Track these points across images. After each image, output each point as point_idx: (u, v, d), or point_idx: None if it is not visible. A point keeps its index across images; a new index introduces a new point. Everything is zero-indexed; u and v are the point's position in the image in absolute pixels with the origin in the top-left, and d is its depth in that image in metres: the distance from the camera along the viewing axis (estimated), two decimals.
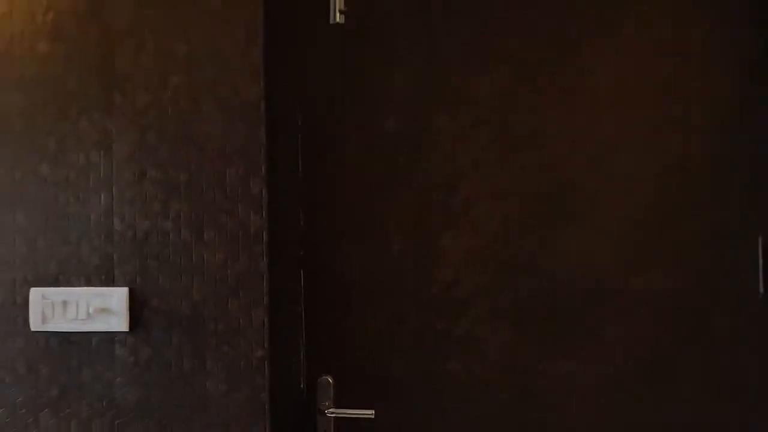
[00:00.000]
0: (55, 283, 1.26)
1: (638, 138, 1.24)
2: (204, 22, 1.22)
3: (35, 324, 1.26)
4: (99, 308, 1.25)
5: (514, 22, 1.28)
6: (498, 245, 1.27)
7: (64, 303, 1.26)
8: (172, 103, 1.23)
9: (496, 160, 1.27)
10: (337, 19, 1.34)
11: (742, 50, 1.23)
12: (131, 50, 1.25)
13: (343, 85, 1.33)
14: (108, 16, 1.25)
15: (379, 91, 1.32)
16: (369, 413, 1.29)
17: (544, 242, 1.26)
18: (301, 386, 1.34)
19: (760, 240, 1.23)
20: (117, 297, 1.24)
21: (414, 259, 1.29)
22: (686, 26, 1.23)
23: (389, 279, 1.31)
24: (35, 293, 1.27)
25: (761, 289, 1.23)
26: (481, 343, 1.27)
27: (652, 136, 1.24)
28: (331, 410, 1.32)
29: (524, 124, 1.27)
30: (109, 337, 1.25)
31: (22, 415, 1.27)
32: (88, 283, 1.25)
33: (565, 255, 1.25)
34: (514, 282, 1.26)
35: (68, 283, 1.26)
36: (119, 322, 1.24)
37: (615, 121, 1.25)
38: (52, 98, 1.28)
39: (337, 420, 1.33)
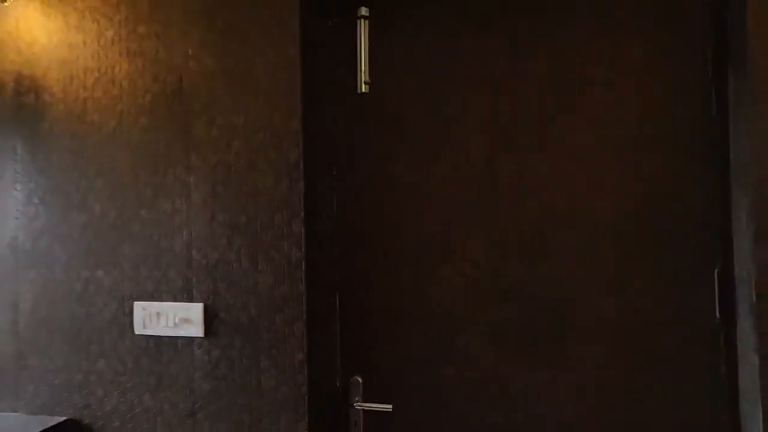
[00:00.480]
0: (151, 298, 1.68)
1: (606, 184, 1.48)
2: (257, 101, 1.59)
3: (138, 329, 1.68)
4: (182, 318, 1.64)
5: (501, 94, 1.56)
6: (486, 275, 1.55)
7: (158, 314, 1.67)
8: (234, 163, 1.61)
9: (486, 205, 1.56)
10: (362, 89, 1.67)
11: (695, 107, 1.44)
12: (204, 123, 1.64)
13: (365, 141, 1.65)
14: (187, 98, 1.65)
15: (392, 146, 1.63)
16: (388, 407, 1.61)
17: (525, 274, 1.53)
18: (337, 384, 1.68)
19: (716, 270, 1.44)
20: (195, 310, 1.63)
21: (419, 286, 1.60)
22: (646, 87, 1.46)
23: (402, 301, 1.62)
24: (138, 306, 1.68)
25: (717, 314, 1.44)
26: (473, 354, 1.56)
27: (618, 182, 1.48)
28: (359, 404, 1.65)
29: (509, 175, 1.54)
30: (190, 340, 1.64)
31: (131, 396, 1.69)
32: (175, 299, 1.66)
33: (543, 284, 1.52)
34: (500, 305, 1.54)
35: (160, 299, 1.67)
36: (197, 330, 1.63)
37: (585, 171, 1.50)
38: (149, 158, 1.69)
39: (365, 412, 1.65)
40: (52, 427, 1.70)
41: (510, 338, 1.54)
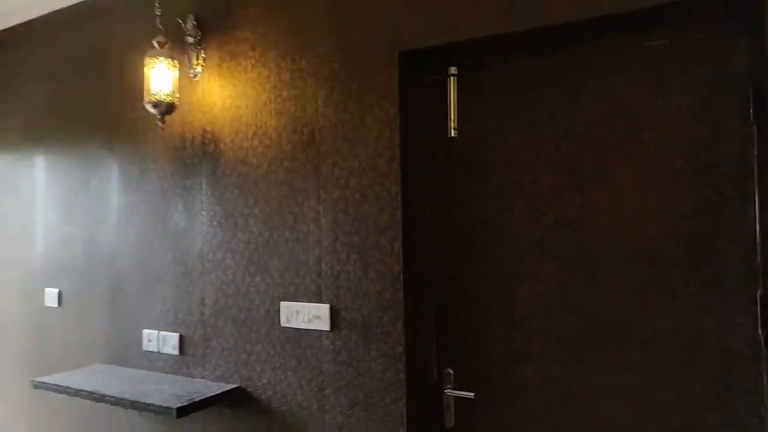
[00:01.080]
0: (293, 299, 2.20)
1: (654, 215, 1.71)
2: (367, 149, 2.03)
3: (283, 322, 2.22)
4: (314, 315, 2.15)
5: (566, 140, 1.84)
6: (556, 293, 1.84)
7: (297, 311, 2.19)
8: (351, 196, 2.07)
9: (554, 234, 1.85)
10: (452, 134, 2.04)
11: (736, 142, 1.61)
12: (329, 165, 2.12)
13: (453, 178, 2.02)
14: (317, 146, 2.14)
15: (476, 182, 1.98)
16: (470, 394, 1.97)
17: (586, 292, 1.80)
18: (434, 375, 2.07)
19: (758, 293, 1.60)
20: (323, 310, 2.13)
21: (501, 300, 1.93)
22: (691, 129, 1.66)
23: (487, 312, 1.97)
24: (283, 305, 2.22)
25: (759, 333, 1.60)
26: (544, 357, 1.86)
27: (665, 214, 1.69)
28: (449, 390, 2.03)
29: (571, 209, 1.82)
30: (320, 332, 2.14)
31: (279, 373, 2.23)
32: (309, 300, 2.16)
33: (602, 301, 1.78)
34: (567, 318, 1.83)
35: (299, 300, 2.18)
36: (325, 325, 2.12)
37: (635, 204, 1.73)
38: (291, 192, 2.21)
39: (454, 398, 2.03)
40: (227, 391, 2.30)
41: (574, 346, 1.82)
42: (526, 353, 1.90)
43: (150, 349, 2.62)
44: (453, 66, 2.03)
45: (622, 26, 1.74)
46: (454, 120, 2.03)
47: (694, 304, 1.66)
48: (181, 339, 2.53)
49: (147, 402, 2.19)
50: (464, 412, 2.01)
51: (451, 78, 2.03)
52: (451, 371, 2.04)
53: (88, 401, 2.64)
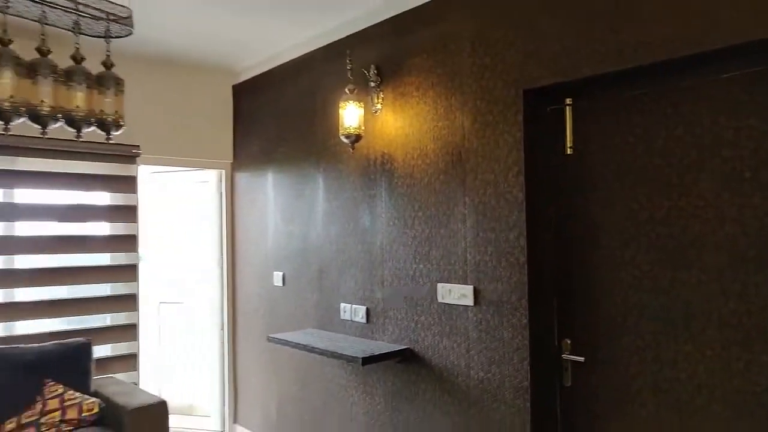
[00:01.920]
0: (447, 282, 2.88)
1: (730, 219, 2.08)
2: (500, 164, 2.63)
3: (439, 299, 2.90)
4: (462, 294, 2.80)
5: (658, 156, 2.27)
6: (649, 277, 2.28)
7: (450, 291, 2.86)
8: (487, 202, 2.69)
9: (647, 231, 2.29)
10: (568, 152, 2.55)
11: None
12: (472, 178, 2.76)
13: (569, 186, 2.53)
14: (463, 163, 2.79)
15: (587, 190, 2.48)
16: (581, 359, 2.48)
17: (674, 277, 2.22)
18: (555, 343, 2.60)
19: None
20: (468, 290, 2.77)
21: (606, 283, 2.41)
22: (760, 143, 2.01)
23: (595, 293, 2.46)
24: (439, 285, 2.90)
25: None
26: (641, 329, 2.31)
27: (739, 215, 2.06)
28: (566, 355, 2.55)
29: (662, 212, 2.25)
30: (465, 307, 2.79)
31: (437, 338, 2.92)
32: (458, 282, 2.82)
33: (689, 285, 2.18)
34: (659, 298, 2.26)
35: (450, 282, 2.85)
36: (470, 301, 2.77)
37: (714, 207, 2.11)
38: (444, 199, 2.89)
39: (571, 361, 2.54)
40: (399, 350, 3.05)
41: (662, 320, 2.25)
42: (623, 326, 2.36)
43: (345, 318, 3.48)
44: (568, 98, 2.55)
45: (703, 61, 2.13)
46: (570, 140, 2.54)
47: (764, 291, 2.01)
48: (367, 311, 3.34)
49: (342, 353, 3.02)
50: (578, 374, 2.52)
51: (567, 107, 2.55)
52: (569, 341, 2.56)
53: (303, 352, 3.59)
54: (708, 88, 2.14)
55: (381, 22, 3.26)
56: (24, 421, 3.25)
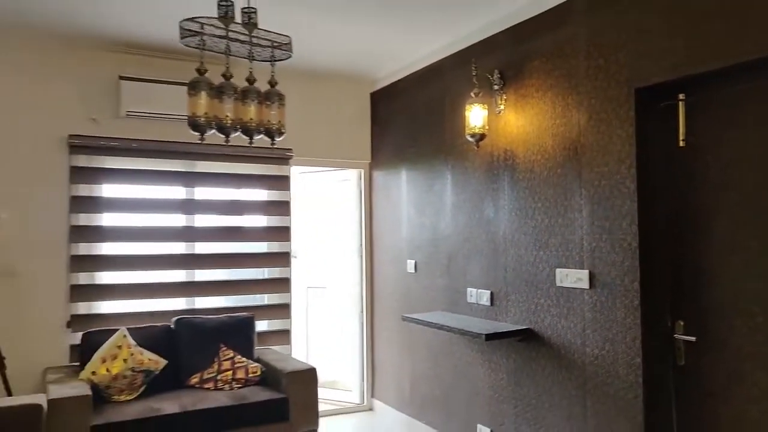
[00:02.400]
0: (564, 266, 3.13)
1: None
2: (613, 158, 2.85)
3: (557, 283, 3.16)
4: (578, 278, 3.04)
5: (762, 150, 2.39)
6: (763, 260, 2.41)
7: (567, 275, 3.11)
8: (602, 192, 2.91)
9: (756, 218, 2.41)
10: (680, 144, 2.72)
11: None
12: (587, 171, 2.99)
13: (680, 175, 2.69)
14: (579, 157, 3.04)
15: (697, 178, 2.63)
16: (692, 338, 2.64)
17: None
18: (668, 323, 2.78)
19: None
20: (584, 274, 3.01)
21: (716, 268, 2.56)
22: None
23: (705, 279, 2.61)
24: (558, 270, 3.16)
25: None
26: (750, 311, 2.44)
27: None
28: (678, 335, 2.72)
29: None
30: (581, 290, 3.03)
31: (555, 319, 3.19)
32: (575, 267, 3.07)
33: None
34: (765, 281, 2.38)
35: (568, 267, 3.10)
36: (585, 285, 3.01)
37: None
38: (561, 191, 3.14)
39: (685, 342, 2.71)
40: (521, 330, 3.35)
41: None
42: (735, 308, 2.49)
43: (471, 301, 3.83)
44: (681, 93, 2.71)
45: None
46: (682, 134, 2.71)
47: None
48: (492, 294, 3.67)
49: (469, 330, 3.38)
50: (690, 353, 2.68)
51: (680, 102, 2.71)
52: (682, 322, 2.72)
53: (434, 332, 3.99)
54: None
55: (503, 30, 3.57)
56: (205, 376, 3.96)
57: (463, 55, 3.92)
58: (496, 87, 3.59)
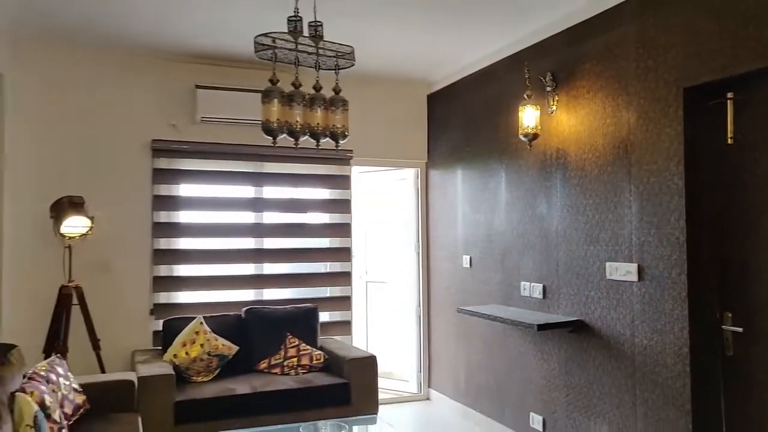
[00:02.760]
0: (613, 260, 3.26)
1: None
2: (662, 155, 2.97)
3: (607, 276, 3.30)
4: (627, 271, 3.17)
5: None
6: None
7: (617, 268, 3.24)
8: (651, 189, 3.03)
9: None
10: (729, 142, 2.81)
11: None
12: (637, 168, 3.11)
13: (729, 171, 2.79)
14: (629, 154, 3.16)
15: (746, 174, 2.72)
16: (739, 329, 2.74)
17: None
18: (716, 315, 2.88)
19: None
20: (633, 267, 3.13)
21: (761, 261, 2.65)
22: None
23: (752, 272, 2.70)
24: (607, 264, 3.30)
25: None
26: None
27: None
28: (725, 327, 2.82)
29: None
30: (630, 283, 3.15)
31: (605, 311, 3.32)
32: (624, 260, 3.19)
33: None
34: None
35: (617, 261, 3.23)
36: (634, 277, 3.13)
37: None
38: (611, 187, 3.27)
39: (732, 333, 2.80)
40: (572, 321, 3.49)
41: None
42: None
43: (524, 294, 3.99)
44: (730, 92, 2.80)
45: None
46: (731, 131, 2.80)
47: None
48: (544, 288, 3.82)
49: (521, 321, 3.55)
50: (738, 344, 2.77)
51: (729, 101, 2.81)
52: (730, 314, 2.82)
53: (488, 324, 4.17)
54: None
55: (555, 34, 3.72)
56: (273, 362, 4.27)
57: (517, 58, 4.09)
58: (548, 89, 3.74)
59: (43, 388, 2.88)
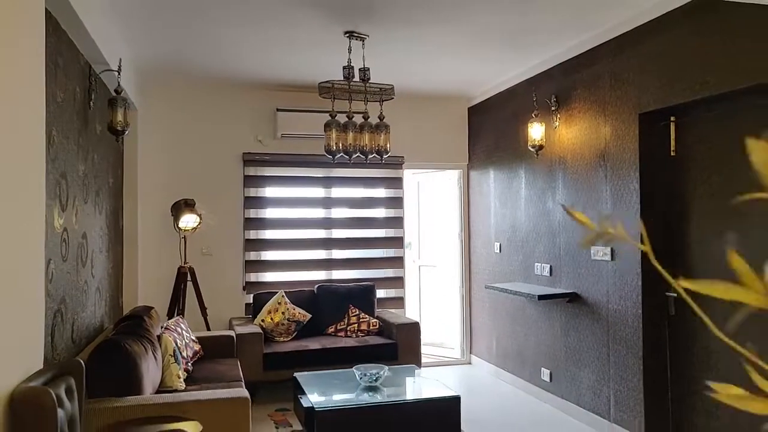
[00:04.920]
0: (596, 245, 4.29)
1: None
2: (625, 162, 3.98)
3: (592, 257, 4.33)
4: (604, 253, 4.20)
5: (724, 158, 3.45)
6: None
7: (598, 251, 4.27)
8: (619, 189, 4.04)
9: (728, 211, 3.48)
10: (672, 154, 3.81)
11: None
12: (611, 172, 4.13)
13: (672, 179, 3.78)
14: (605, 161, 4.19)
15: (687, 183, 3.71)
16: (677, 295, 3.74)
17: None
18: (663, 286, 3.87)
19: None
20: (608, 250, 4.16)
21: (705, 257, 3.64)
22: None
23: (694, 252, 3.70)
24: (593, 249, 4.33)
25: None
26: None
27: None
28: (668, 293, 3.82)
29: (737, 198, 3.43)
30: (607, 262, 4.18)
31: (591, 284, 4.36)
32: (602, 245, 4.22)
33: None
34: None
35: (599, 246, 4.27)
36: (609, 258, 4.16)
37: None
38: (595, 188, 4.30)
39: (674, 298, 3.80)
40: (568, 293, 4.55)
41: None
42: (704, 273, 3.57)
43: (537, 273, 5.06)
44: (672, 116, 3.79)
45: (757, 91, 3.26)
46: (674, 146, 3.79)
47: None
48: (551, 267, 4.88)
49: (527, 293, 4.64)
50: (678, 306, 3.76)
51: (672, 123, 3.80)
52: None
53: (511, 296, 5.28)
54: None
55: (557, 65, 4.76)
56: (338, 327, 5.56)
57: (531, 82, 5.14)
58: (553, 108, 4.79)
59: (175, 335, 4.26)
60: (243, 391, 3.21)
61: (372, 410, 3.80)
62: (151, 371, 3.41)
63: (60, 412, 1.97)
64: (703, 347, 3.58)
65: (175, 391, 3.57)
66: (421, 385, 4.47)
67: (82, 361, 2.40)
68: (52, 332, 2.97)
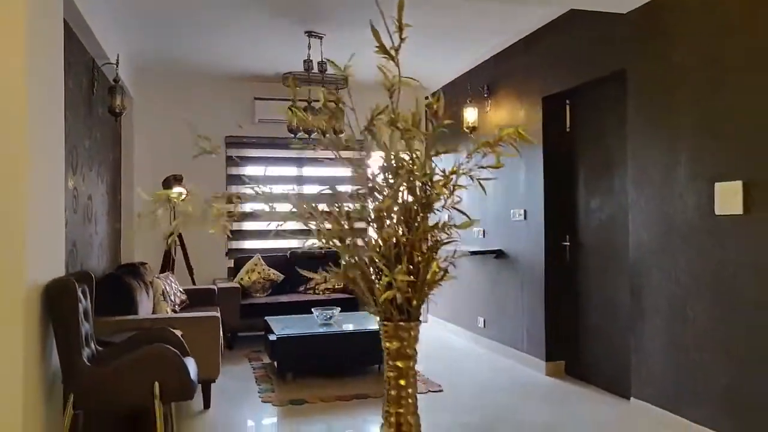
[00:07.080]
0: (514, 208, 5.25)
1: None
2: (536, 137, 4.94)
3: (511, 218, 5.29)
4: (519, 214, 5.16)
5: (607, 133, 4.42)
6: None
7: (515, 213, 5.23)
8: (531, 160, 5.01)
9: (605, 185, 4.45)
10: (567, 129, 4.77)
11: None
12: (527, 145, 5.10)
13: (568, 150, 4.73)
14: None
15: (580, 153, 4.67)
16: (568, 243, 4.70)
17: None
18: (560, 238, 4.83)
19: None
20: (522, 212, 5.12)
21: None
22: None
23: (579, 214, 4.66)
24: (512, 211, 5.29)
25: None
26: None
27: None
28: (563, 243, 4.78)
29: (610, 182, 4.39)
30: (521, 221, 5.14)
31: (510, 242, 5.31)
32: (519, 207, 5.18)
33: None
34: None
35: (516, 208, 5.22)
36: (522, 218, 5.12)
37: None
38: (510, 162, 5.26)
39: (568, 247, 4.77)
40: (494, 250, 5.51)
41: (607, 235, 4.39)
42: (589, 229, 4.53)
43: (474, 237, 6.02)
44: (567, 99, 4.75)
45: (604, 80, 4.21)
46: (568, 123, 4.75)
47: None
48: (484, 231, 5.83)
49: (466, 251, 5.60)
50: (571, 253, 4.72)
51: (567, 105, 4.75)
52: (567, 236, 4.77)
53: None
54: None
55: (488, 58, 5.72)
56: (307, 287, 6.52)
57: (472, 72, 6.09)
58: (485, 95, 5.74)
59: (165, 284, 5.23)
60: (215, 313, 4.17)
61: (321, 338, 4.79)
62: (144, 303, 4.37)
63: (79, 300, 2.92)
64: (593, 281, 4.55)
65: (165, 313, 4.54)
66: (366, 322, 5.43)
67: (92, 273, 3.36)
68: (66, 267, 3.93)
